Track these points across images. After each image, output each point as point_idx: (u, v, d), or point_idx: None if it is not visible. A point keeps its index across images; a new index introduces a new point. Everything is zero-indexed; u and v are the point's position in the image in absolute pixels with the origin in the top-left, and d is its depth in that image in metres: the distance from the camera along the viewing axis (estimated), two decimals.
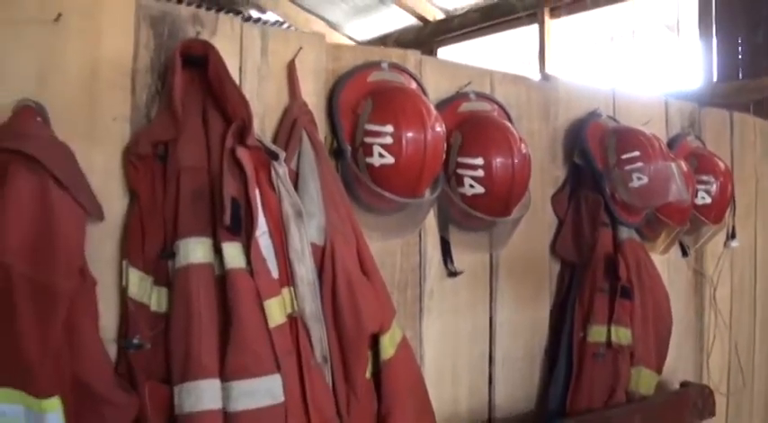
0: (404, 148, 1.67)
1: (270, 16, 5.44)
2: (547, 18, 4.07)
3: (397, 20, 5.17)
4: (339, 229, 1.57)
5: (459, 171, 1.90)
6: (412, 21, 5.05)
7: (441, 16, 4.91)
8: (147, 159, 1.43)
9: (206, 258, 1.38)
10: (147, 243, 1.41)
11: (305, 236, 1.50)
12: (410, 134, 1.68)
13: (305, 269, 1.49)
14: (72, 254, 1.29)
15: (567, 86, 2.39)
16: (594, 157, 2.29)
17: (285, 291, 1.47)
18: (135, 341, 1.39)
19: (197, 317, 1.35)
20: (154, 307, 1.41)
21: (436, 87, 1.98)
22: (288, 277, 1.48)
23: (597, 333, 2.24)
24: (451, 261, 1.99)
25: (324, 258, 1.54)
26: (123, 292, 1.40)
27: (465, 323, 2.05)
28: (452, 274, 1.98)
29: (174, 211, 1.40)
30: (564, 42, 4.26)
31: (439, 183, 1.84)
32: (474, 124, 1.94)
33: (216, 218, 1.40)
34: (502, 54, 4.38)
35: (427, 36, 4.73)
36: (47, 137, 1.33)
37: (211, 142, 1.46)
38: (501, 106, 2.09)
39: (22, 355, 1.20)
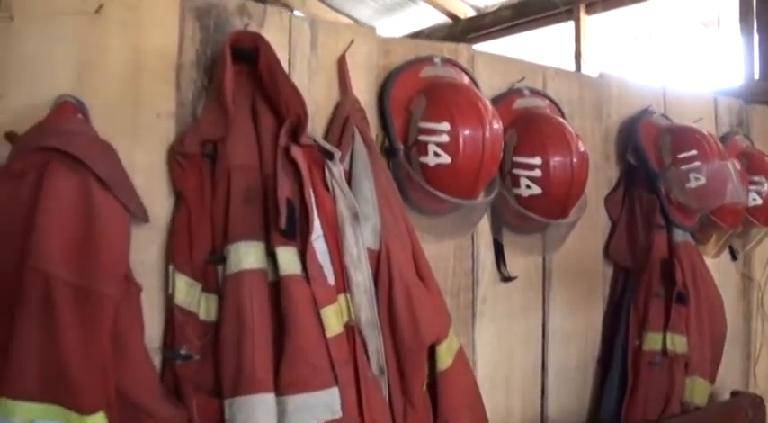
0: (461, 146, 1.56)
1: (296, 15, 5.31)
2: (583, 14, 3.93)
3: (426, 18, 5.04)
4: (394, 232, 1.46)
5: (515, 171, 1.79)
6: (442, 18, 4.92)
7: (472, 13, 4.77)
8: (194, 158, 1.33)
9: (259, 264, 1.28)
10: (195, 247, 1.31)
11: (361, 239, 1.39)
12: (467, 132, 1.57)
13: (361, 275, 1.39)
14: (117, 259, 1.19)
15: (619, 83, 2.27)
16: (649, 157, 2.16)
17: (341, 298, 1.37)
18: (182, 352, 1.30)
19: (249, 326, 1.25)
20: (203, 315, 1.31)
21: (489, 83, 1.87)
22: (344, 284, 1.37)
23: (653, 340, 2.12)
24: (504, 265, 1.89)
25: (379, 263, 1.43)
26: (169, 299, 1.31)
27: (518, 329, 1.95)
28: (506, 278, 1.88)
29: (223, 213, 1.30)
30: (600, 39, 4.12)
31: (495, 184, 1.73)
32: (530, 122, 1.83)
33: (269, 220, 1.29)
34: (535, 52, 4.24)
35: (458, 34, 4.60)
36: (88, 134, 1.23)
37: (262, 140, 1.36)
38: (555, 103, 1.98)
39: (64, 368, 1.10)
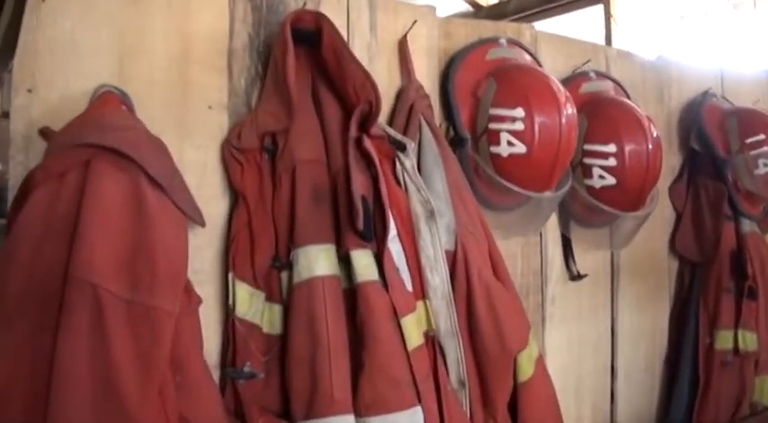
0: (536, 134, 1.41)
1: None
2: None
3: (446, 6, 4.87)
4: (470, 230, 1.32)
5: (587, 160, 1.64)
6: (463, 6, 4.73)
7: (494, 1, 4.60)
8: (252, 153, 1.19)
9: (332, 269, 1.13)
10: (257, 252, 1.16)
11: (438, 239, 1.25)
12: (544, 118, 1.41)
13: (439, 278, 1.24)
14: (175, 269, 1.03)
15: (678, 66, 2.11)
16: (715, 143, 2.01)
17: (420, 305, 1.22)
18: (246, 369, 1.15)
19: (325, 340, 1.09)
20: (266, 328, 1.16)
21: (553, 66, 1.71)
22: (422, 289, 1.23)
23: (724, 339, 1.96)
24: (574, 262, 1.74)
25: (455, 265, 1.29)
26: (230, 310, 1.16)
27: (588, 330, 1.80)
28: (576, 276, 1.73)
29: (288, 214, 1.15)
30: (630, 23, 3.95)
31: (568, 175, 1.57)
32: (600, 107, 1.68)
33: (339, 220, 1.14)
34: None
35: None
36: (137, 129, 1.07)
37: (328, 131, 1.21)
38: (621, 86, 1.82)
39: (119, 395, 0.93)
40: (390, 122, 1.39)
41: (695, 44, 4.11)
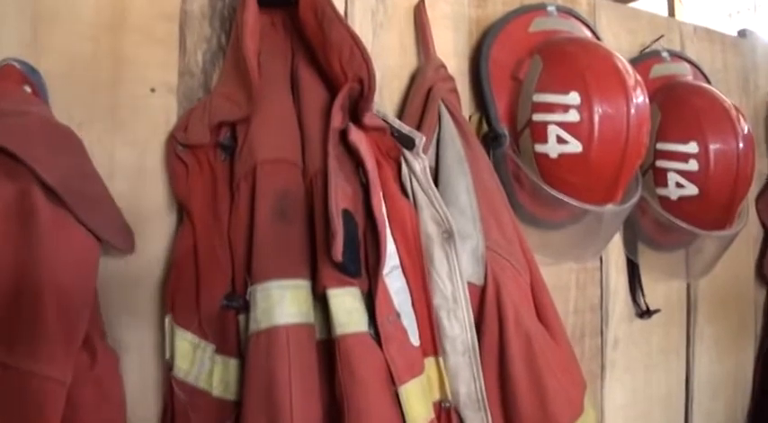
0: (596, 127, 1.06)
1: None
2: None
3: None
4: (505, 257, 0.97)
5: (661, 163, 1.28)
6: None
7: None
8: (202, 151, 0.87)
9: (301, 316, 0.80)
10: (205, 288, 0.84)
11: (458, 270, 0.90)
12: (606, 107, 1.06)
13: (459, 326, 0.89)
14: (71, 318, 0.72)
15: (765, 47, 1.70)
16: None
17: (430, 364, 0.88)
18: None
19: (287, 416, 0.76)
20: (218, 391, 0.84)
21: (616, 43, 1.36)
22: (434, 341, 0.88)
23: None
24: (642, 294, 1.37)
25: (484, 306, 0.93)
26: (167, 368, 0.85)
27: (657, 380, 1.43)
28: (645, 313, 1.37)
29: (247, 235, 0.83)
30: (690, 18, 3.53)
31: (636, 182, 1.22)
32: (677, 95, 1.31)
33: (316, 246, 0.82)
34: None
35: None
36: (30, 114, 0.77)
37: (306, 122, 0.89)
38: (700, 70, 1.44)
39: None
40: (401, 112, 1.06)
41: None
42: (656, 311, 1.39)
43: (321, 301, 0.82)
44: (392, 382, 0.80)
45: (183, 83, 0.92)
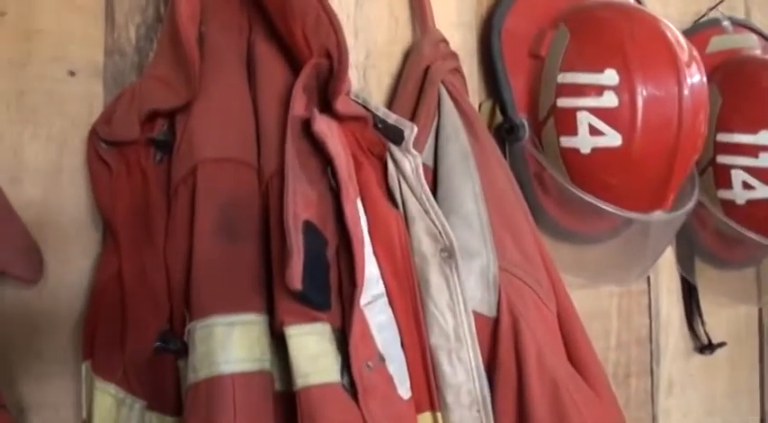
0: (640, 114, 1.01)
1: None
2: None
3: None
4: (525, 281, 0.91)
5: (723, 159, 1.23)
6: None
7: None
8: (131, 150, 0.81)
9: (253, 360, 0.73)
10: (133, 326, 0.76)
11: (461, 299, 0.83)
12: (652, 88, 1.01)
13: (464, 371, 0.82)
14: None
15: None
16: None
17: (426, 420, 0.81)
18: None
19: None
20: None
21: (663, 9, 1.32)
22: (430, 392, 0.81)
23: None
24: (702, 323, 1.34)
25: (498, 344, 0.86)
26: None
27: None
28: (706, 347, 1.34)
29: (188, 256, 0.75)
30: None
31: (693, 184, 1.18)
32: (742, 73, 1.29)
33: (273, 270, 0.75)
34: None
35: None
36: None
37: (263, 109, 0.82)
38: None
39: None
40: (390, 104, 1.00)
41: None
42: (721, 345, 1.36)
43: (280, 342, 0.73)
44: None
45: (110, 64, 0.86)
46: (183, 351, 0.74)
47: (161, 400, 0.76)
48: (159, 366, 0.76)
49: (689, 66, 1.02)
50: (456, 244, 0.83)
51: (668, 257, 1.33)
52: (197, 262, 0.73)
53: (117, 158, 0.79)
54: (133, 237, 0.78)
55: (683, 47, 1.04)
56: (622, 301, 1.28)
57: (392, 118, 0.85)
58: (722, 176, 1.25)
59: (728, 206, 1.26)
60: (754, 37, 1.37)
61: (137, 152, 0.80)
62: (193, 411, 0.70)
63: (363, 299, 0.74)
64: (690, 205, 1.14)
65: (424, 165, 0.90)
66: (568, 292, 0.99)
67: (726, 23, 1.35)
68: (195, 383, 0.71)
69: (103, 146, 0.79)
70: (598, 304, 1.23)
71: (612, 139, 1.02)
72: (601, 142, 1.03)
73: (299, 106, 0.76)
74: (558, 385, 0.85)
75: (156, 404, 0.76)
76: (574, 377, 0.89)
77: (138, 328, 0.76)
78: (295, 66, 0.82)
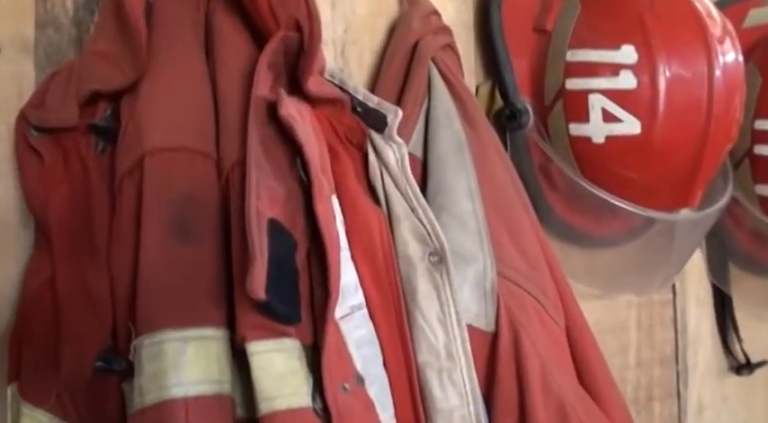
0: (662, 97, 1.05)
1: None
2: None
3: None
4: (528, 290, 0.95)
5: (761, 150, 1.30)
6: None
7: None
8: (68, 138, 0.82)
9: (210, 382, 0.74)
10: (69, 343, 0.78)
11: (453, 310, 0.86)
12: (676, 67, 1.06)
13: (457, 395, 0.85)
14: None
15: None
16: None
17: None
18: None
19: None
20: None
21: None
22: (418, 418, 0.84)
23: None
24: (738, 339, 1.41)
25: (496, 362, 0.90)
26: None
27: None
28: (743, 366, 1.41)
29: (131, 260, 0.77)
30: None
31: (725, 178, 1.23)
32: None
33: (233, 278, 0.77)
34: None
35: None
36: None
37: (223, 91, 0.84)
38: None
39: None
40: (373, 86, 1.03)
41: None
42: (762, 364, 1.42)
43: (242, 361, 0.75)
44: None
45: (43, 38, 0.87)
46: (129, 372, 0.75)
47: None
48: (100, 389, 0.77)
49: (721, 41, 1.06)
50: (448, 247, 0.85)
51: (697, 263, 1.38)
52: (145, 267, 0.74)
53: (51, 148, 0.80)
54: (71, 238, 0.79)
55: (715, 19, 1.08)
56: (642, 313, 1.32)
57: (373, 101, 0.88)
58: (761, 169, 1.30)
59: None
60: None
61: (75, 141, 0.81)
62: None
63: (339, 311, 0.76)
64: (722, 202, 1.18)
65: (411, 155, 0.93)
66: (579, 304, 1.03)
67: None
68: (142, 409, 0.72)
69: (34, 133, 0.80)
70: (614, 317, 1.28)
71: (630, 126, 1.06)
72: (617, 130, 1.07)
73: (263, 86, 0.77)
74: (566, 410, 0.88)
75: None
76: (584, 400, 0.92)
77: (75, 344, 0.77)
78: (260, 40, 0.84)
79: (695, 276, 1.39)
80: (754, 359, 1.40)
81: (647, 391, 1.31)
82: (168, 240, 0.75)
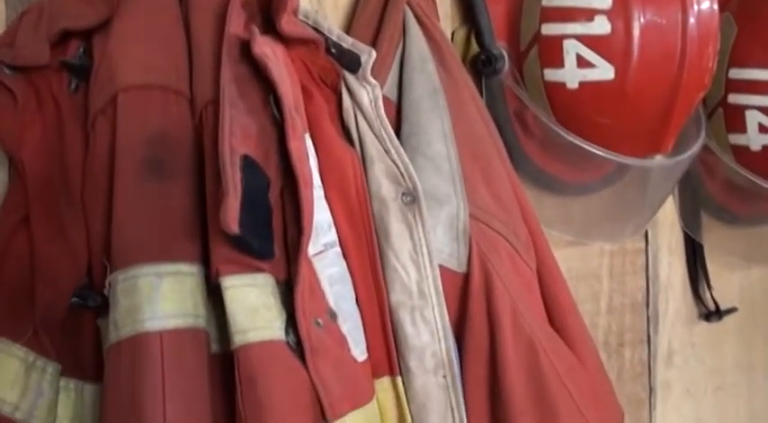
0: (636, 42, 1.06)
1: None
2: None
3: None
4: (501, 232, 0.95)
5: (735, 98, 1.29)
6: None
7: None
8: (40, 76, 0.83)
9: (185, 316, 0.76)
10: (44, 279, 0.80)
11: (426, 250, 0.88)
12: (650, 13, 1.06)
13: (428, 333, 0.86)
14: None
15: None
16: None
17: (384, 387, 0.86)
18: None
19: None
20: None
21: None
22: (390, 354, 0.86)
23: None
24: (709, 287, 1.43)
25: (468, 302, 0.91)
26: None
27: (734, 409, 1.51)
28: (713, 313, 1.43)
29: (105, 197, 0.79)
30: None
31: (697, 125, 1.23)
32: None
33: (208, 213, 0.79)
34: None
35: None
36: None
37: (196, 28, 0.85)
38: None
39: None
40: (348, 28, 1.02)
41: None
42: (731, 311, 1.44)
43: (217, 296, 0.77)
44: (321, 416, 0.76)
45: None
46: (104, 308, 0.77)
47: (78, 363, 0.80)
48: (76, 325, 0.79)
49: None
50: (420, 188, 0.87)
51: (669, 211, 1.39)
52: (119, 203, 0.75)
53: (24, 87, 0.81)
54: (45, 177, 0.81)
55: None
56: (615, 261, 1.33)
57: (348, 42, 0.88)
58: (734, 118, 1.29)
59: (741, 152, 1.30)
60: None
61: (48, 79, 0.82)
62: (115, 375, 0.73)
63: (312, 247, 0.77)
64: (695, 149, 1.18)
65: (385, 99, 0.93)
66: (551, 250, 1.04)
67: None
68: (117, 342, 0.73)
69: (7, 72, 0.80)
70: (586, 264, 1.29)
71: (604, 71, 1.06)
72: (590, 75, 1.07)
73: (236, 25, 0.78)
74: (536, 348, 0.90)
75: (72, 369, 0.80)
76: (554, 340, 0.94)
77: (50, 281, 0.79)
78: None
79: (667, 225, 1.41)
80: (723, 306, 1.43)
81: (617, 337, 1.33)
82: (142, 177, 0.76)
